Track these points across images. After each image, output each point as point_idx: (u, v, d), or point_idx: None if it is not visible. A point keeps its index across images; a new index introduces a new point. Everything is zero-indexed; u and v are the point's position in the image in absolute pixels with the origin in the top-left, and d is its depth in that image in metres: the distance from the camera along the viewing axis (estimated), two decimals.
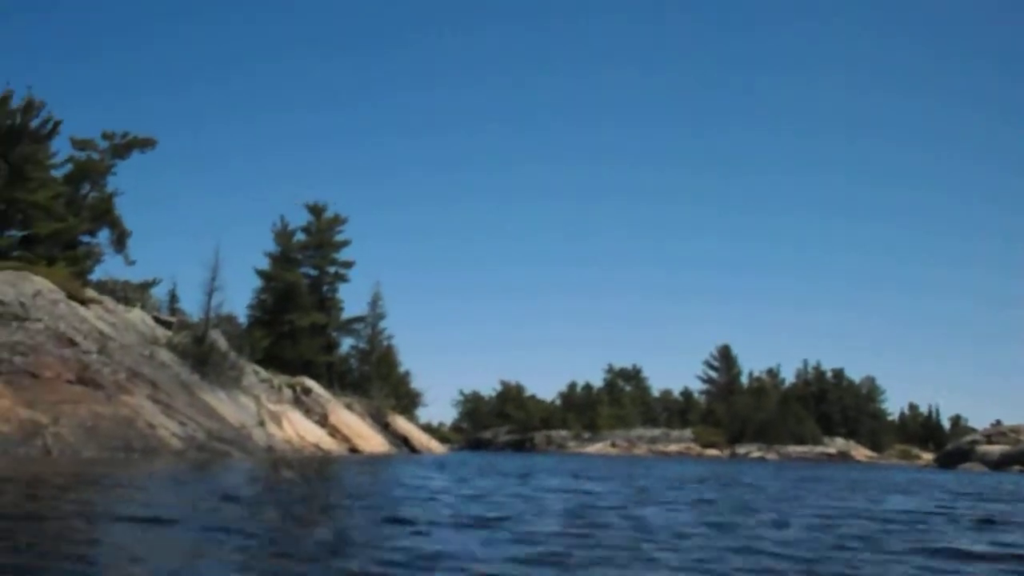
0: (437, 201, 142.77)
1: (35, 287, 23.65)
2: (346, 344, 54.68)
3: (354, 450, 36.20)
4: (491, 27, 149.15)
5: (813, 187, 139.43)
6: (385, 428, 44.52)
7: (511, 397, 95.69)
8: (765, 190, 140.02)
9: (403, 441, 44.38)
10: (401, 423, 46.90)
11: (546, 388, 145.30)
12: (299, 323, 49.46)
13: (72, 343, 21.22)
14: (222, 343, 30.89)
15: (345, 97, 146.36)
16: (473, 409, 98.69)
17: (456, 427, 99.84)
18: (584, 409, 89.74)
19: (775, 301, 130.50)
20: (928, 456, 77.84)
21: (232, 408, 27.96)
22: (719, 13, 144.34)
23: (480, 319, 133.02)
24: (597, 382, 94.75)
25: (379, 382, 50.83)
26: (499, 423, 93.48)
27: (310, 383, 40.81)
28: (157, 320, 31.81)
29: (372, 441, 39.18)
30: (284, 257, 51.45)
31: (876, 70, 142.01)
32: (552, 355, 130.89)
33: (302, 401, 38.16)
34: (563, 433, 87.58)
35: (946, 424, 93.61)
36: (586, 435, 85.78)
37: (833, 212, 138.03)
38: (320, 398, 39.78)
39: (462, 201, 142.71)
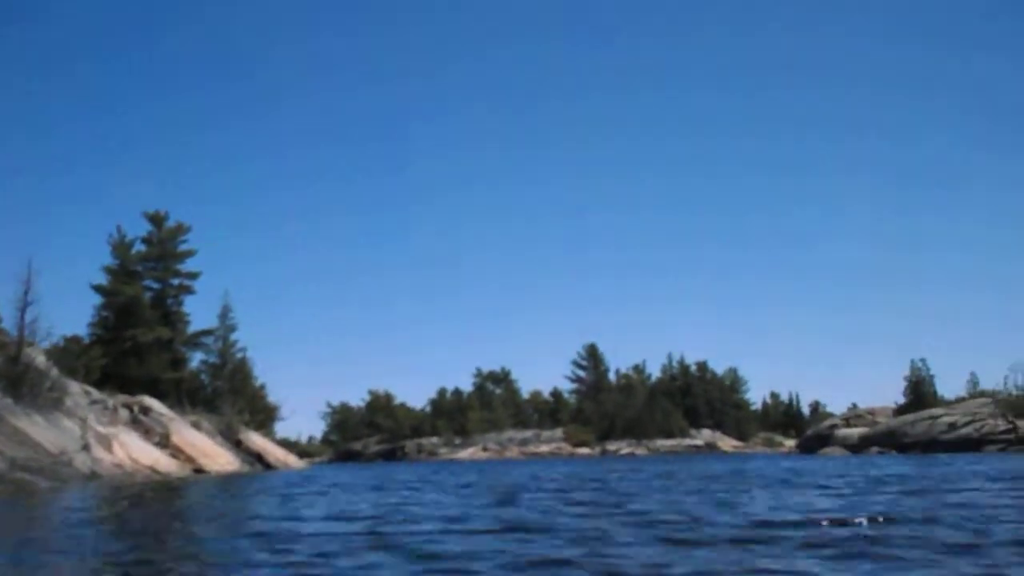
0: (291, 211, 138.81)
1: None
2: (198, 360, 52.16)
3: (199, 470, 34.00)
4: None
5: (667, 180, 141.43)
6: (237, 445, 42.30)
7: (380, 406, 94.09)
8: (619, 187, 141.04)
9: (256, 458, 42.20)
10: (255, 439, 44.61)
11: (416, 396, 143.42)
12: (142, 339, 46.75)
13: None
14: (41, 362, 28.35)
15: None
16: (342, 420, 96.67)
17: (326, 440, 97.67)
18: (455, 415, 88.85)
19: (638, 299, 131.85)
20: (791, 443, 79.75)
21: (51, 433, 25.61)
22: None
23: (346, 329, 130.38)
24: (467, 387, 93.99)
25: (232, 397, 48.45)
26: (369, 433, 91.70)
27: (150, 401, 38.30)
28: None
29: (220, 460, 36.94)
30: (123, 270, 48.59)
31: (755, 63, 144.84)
32: (421, 362, 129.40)
33: (140, 421, 35.70)
34: (434, 440, 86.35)
35: (806, 411, 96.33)
36: (457, 441, 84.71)
37: (687, 205, 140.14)
38: (162, 417, 37.32)
39: (319, 208, 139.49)
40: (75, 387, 32.58)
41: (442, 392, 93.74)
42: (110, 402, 35.24)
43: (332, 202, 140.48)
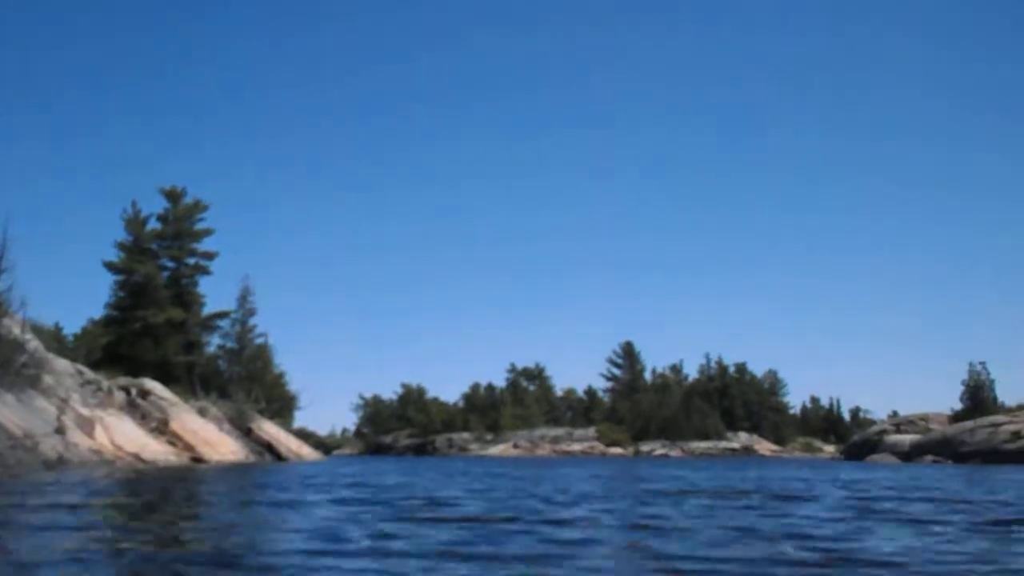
0: (325, 200, 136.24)
1: None
2: (216, 344, 49.97)
3: (197, 459, 31.70)
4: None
5: (708, 179, 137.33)
6: (248, 434, 40.08)
7: (412, 400, 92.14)
8: (658, 185, 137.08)
9: (267, 448, 39.92)
10: (267, 428, 42.27)
11: (450, 390, 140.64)
12: (152, 320, 44.59)
13: None
14: (19, 335, 26.07)
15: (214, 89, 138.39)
16: (374, 413, 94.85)
17: (359, 432, 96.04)
18: (487, 410, 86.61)
19: (677, 297, 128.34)
20: (830, 448, 77.17)
21: (20, 414, 23.35)
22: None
23: (382, 322, 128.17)
24: (500, 382, 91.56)
25: (247, 383, 46.24)
26: (401, 427, 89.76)
27: (150, 384, 36.02)
28: None
29: (221, 448, 34.61)
30: (137, 247, 46.52)
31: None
32: (455, 356, 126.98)
33: (137, 405, 33.48)
34: (465, 435, 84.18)
35: (846, 416, 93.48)
36: (488, 437, 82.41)
37: (726, 204, 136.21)
38: (161, 401, 35.05)
39: (356, 199, 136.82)
40: (63, 365, 30.41)
41: (475, 387, 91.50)
42: (104, 383, 33.01)
43: (361, 186, 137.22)
